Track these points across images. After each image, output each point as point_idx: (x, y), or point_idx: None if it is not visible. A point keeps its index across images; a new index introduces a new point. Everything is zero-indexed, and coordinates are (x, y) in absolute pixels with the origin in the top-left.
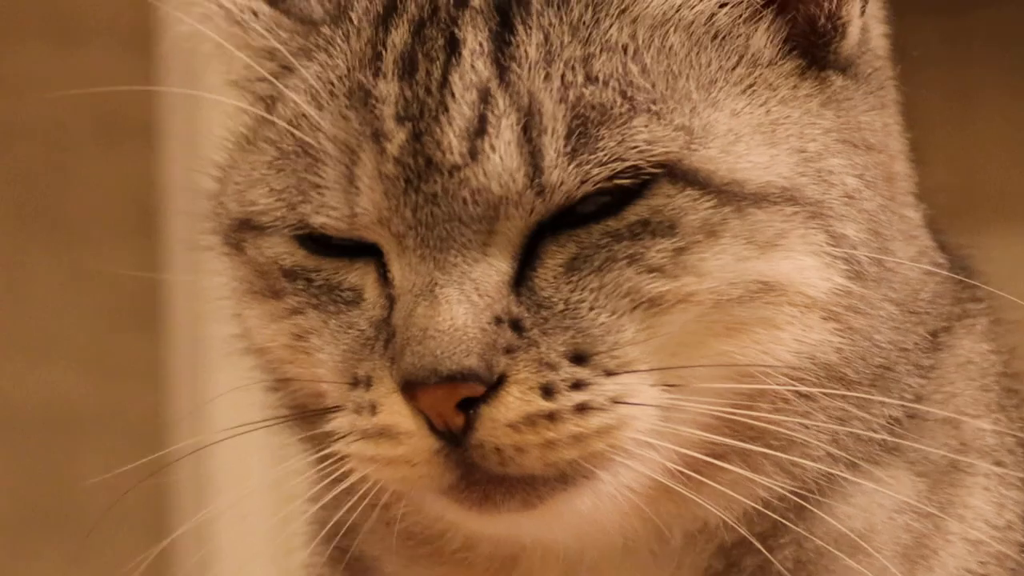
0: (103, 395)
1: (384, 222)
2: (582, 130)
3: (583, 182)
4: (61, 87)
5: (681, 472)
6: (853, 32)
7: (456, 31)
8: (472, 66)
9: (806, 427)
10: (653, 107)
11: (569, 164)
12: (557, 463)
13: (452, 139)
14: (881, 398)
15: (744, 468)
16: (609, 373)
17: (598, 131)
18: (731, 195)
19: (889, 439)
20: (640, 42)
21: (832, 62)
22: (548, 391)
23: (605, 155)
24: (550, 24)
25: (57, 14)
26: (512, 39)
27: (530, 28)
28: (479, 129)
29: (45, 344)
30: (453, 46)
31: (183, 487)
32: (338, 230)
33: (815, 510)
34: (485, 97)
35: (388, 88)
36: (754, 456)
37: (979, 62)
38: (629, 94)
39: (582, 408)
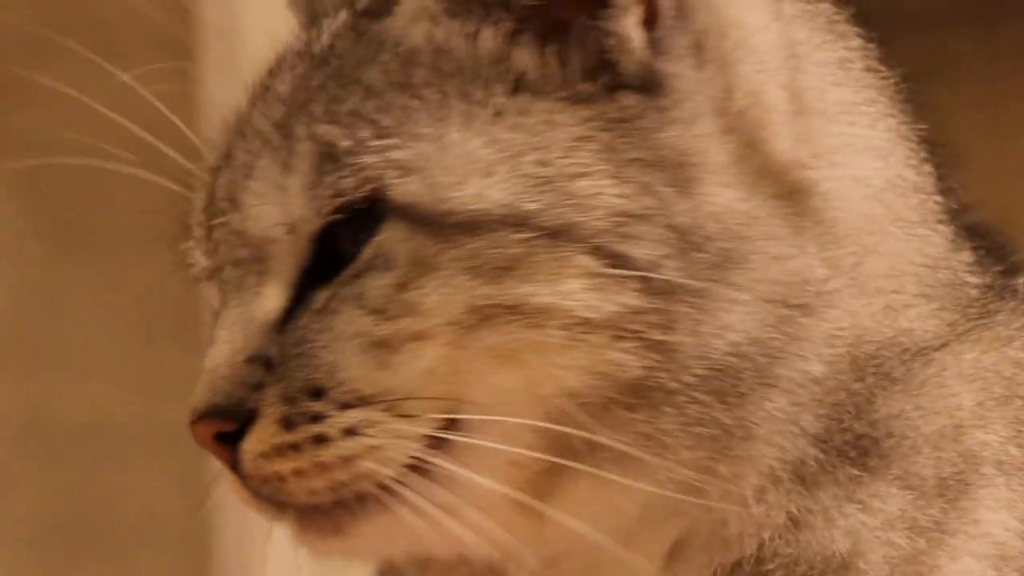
0: (141, 411)
1: (204, 271)
2: (319, 168)
3: (316, 216)
4: (99, 102)
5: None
6: (634, 48)
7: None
8: (255, 118)
9: (664, 432)
10: (376, 143)
11: (307, 201)
12: (319, 490)
13: (222, 187)
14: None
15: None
16: (345, 406)
17: (329, 167)
18: (443, 226)
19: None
20: (387, 78)
21: (617, 81)
22: (289, 424)
23: (329, 191)
24: (305, 71)
25: (96, 28)
26: (272, 85)
27: (287, 74)
28: (246, 175)
29: (83, 360)
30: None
31: (224, 501)
32: (199, 279)
33: (797, 534)
34: (257, 146)
35: (215, 142)
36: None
37: (1015, 74)
38: (359, 132)
39: (319, 439)
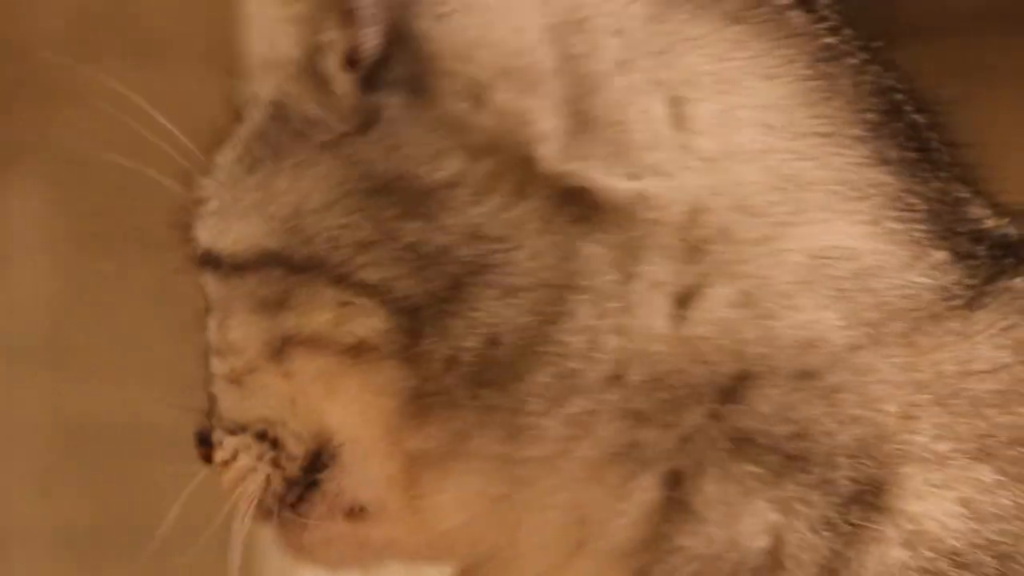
0: (178, 413)
1: None
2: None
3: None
4: (139, 106)
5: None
6: (340, 88)
7: None
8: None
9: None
10: (211, 205)
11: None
12: (248, 505)
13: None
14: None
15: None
16: (231, 433)
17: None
18: (226, 269)
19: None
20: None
21: (340, 122)
22: (213, 447)
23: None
24: None
25: (135, 33)
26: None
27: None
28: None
29: (119, 363)
30: None
31: None
32: None
33: (694, 526)
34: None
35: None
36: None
37: None
38: (204, 193)
39: (228, 460)
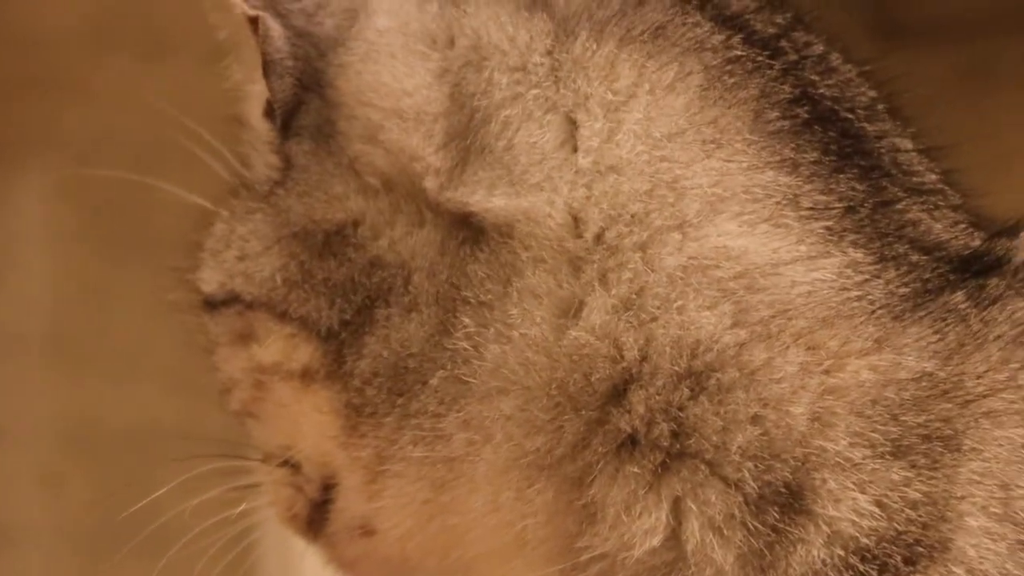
0: (186, 414)
1: None
2: None
3: None
4: (148, 100)
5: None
6: (260, 136)
7: None
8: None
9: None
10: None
11: None
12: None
13: None
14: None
15: None
16: (262, 461)
17: None
18: (207, 306)
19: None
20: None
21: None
22: None
23: None
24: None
25: (144, 30)
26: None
27: None
28: None
29: (130, 364)
30: None
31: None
32: None
33: (594, 526)
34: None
35: None
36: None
37: None
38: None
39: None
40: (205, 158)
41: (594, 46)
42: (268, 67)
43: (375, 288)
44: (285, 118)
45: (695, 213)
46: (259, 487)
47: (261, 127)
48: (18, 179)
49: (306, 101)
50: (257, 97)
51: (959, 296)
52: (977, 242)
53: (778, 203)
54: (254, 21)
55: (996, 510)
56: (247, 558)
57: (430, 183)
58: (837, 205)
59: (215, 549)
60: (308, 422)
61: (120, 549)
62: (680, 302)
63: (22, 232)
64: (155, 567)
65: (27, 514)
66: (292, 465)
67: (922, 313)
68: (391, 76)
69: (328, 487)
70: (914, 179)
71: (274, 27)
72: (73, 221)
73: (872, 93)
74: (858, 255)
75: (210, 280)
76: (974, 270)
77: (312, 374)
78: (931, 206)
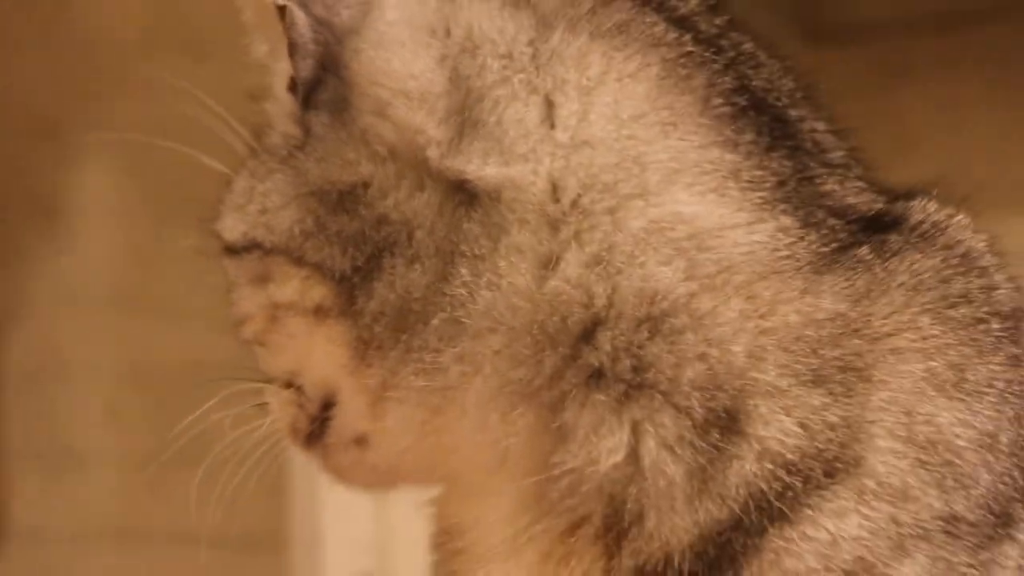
0: (231, 351)
1: None
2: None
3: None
4: (191, 93)
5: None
6: (284, 108)
7: None
8: None
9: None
10: (226, 205)
11: None
12: (288, 436)
13: None
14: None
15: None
16: (268, 382)
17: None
18: (230, 251)
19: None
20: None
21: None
22: None
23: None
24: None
25: (189, 32)
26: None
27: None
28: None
29: (180, 308)
30: None
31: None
32: None
33: (568, 445)
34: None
35: None
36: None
37: (968, 78)
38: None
39: (266, 403)
40: (226, 136)
41: (569, 38)
42: (293, 49)
43: (383, 241)
44: (306, 93)
45: (655, 183)
46: (267, 404)
47: (285, 99)
48: (85, 161)
49: (324, 80)
50: (282, 74)
51: (865, 250)
52: (880, 205)
53: (723, 176)
54: (282, 9)
55: (901, 433)
56: (275, 460)
57: (432, 152)
58: (770, 179)
59: (245, 453)
60: (320, 352)
61: (173, 470)
62: (642, 258)
63: (89, 204)
64: (202, 485)
65: (94, 440)
66: (295, 386)
67: (836, 265)
68: (399, 61)
69: (327, 406)
70: (828, 155)
71: (299, 15)
72: (130, 194)
73: (792, 84)
74: (787, 221)
75: (232, 229)
76: (877, 227)
77: (326, 311)
78: (842, 177)
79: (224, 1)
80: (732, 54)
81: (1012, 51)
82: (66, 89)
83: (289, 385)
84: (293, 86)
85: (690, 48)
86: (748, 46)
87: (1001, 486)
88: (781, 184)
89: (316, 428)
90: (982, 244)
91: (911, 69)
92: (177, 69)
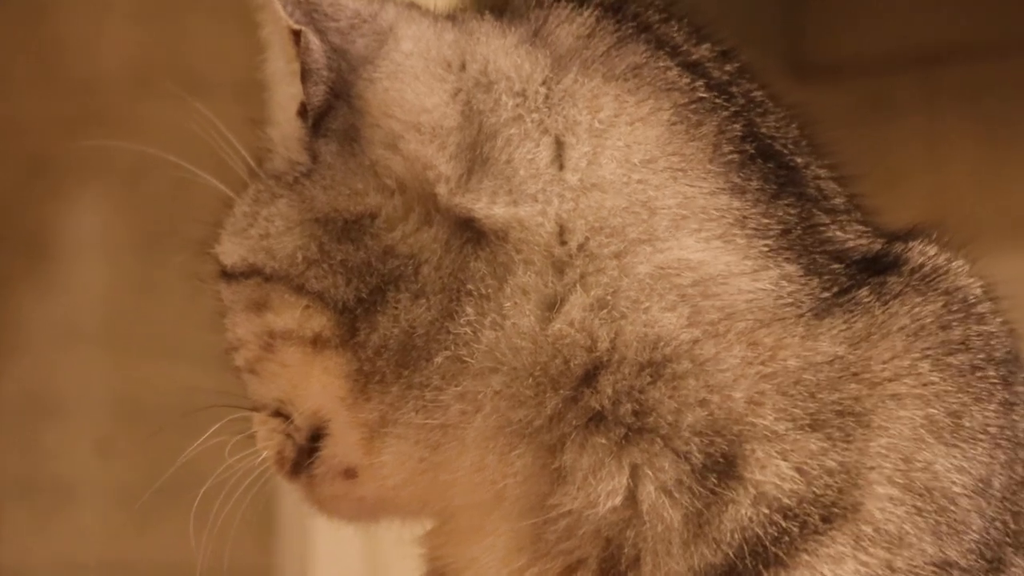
0: (221, 390)
1: None
2: None
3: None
4: (185, 131)
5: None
6: (292, 134)
7: None
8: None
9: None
10: (225, 229)
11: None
12: (274, 465)
13: None
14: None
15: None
16: (255, 410)
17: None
18: (225, 276)
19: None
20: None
21: (296, 165)
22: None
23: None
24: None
25: (182, 69)
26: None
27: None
28: None
29: (171, 346)
30: None
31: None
32: None
33: (564, 487)
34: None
35: None
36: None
37: (951, 113)
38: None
39: (254, 432)
40: (229, 160)
41: (583, 80)
42: (306, 75)
43: (388, 273)
44: (316, 119)
45: (663, 229)
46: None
47: (294, 124)
48: (78, 199)
49: (335, 107)
50: (289, 98)
51: (864, 291)
52: (878, 246)
53: (729, 223)
54: (297, 34)
55: (899, 480)
56: (265, 495)
57: (441, 189)
58: (776, 226)
59: (234, 484)
60: (316, 382)
61: (163, 504)
62: (646, 304)
63: (82, 242)
64: (190, 510)
65: (84, 475)
66: (283, 416)
67: (836, 308)
68: (413, 94)
69: (316, 436)
70: (831, 201)
71: (314, 41)
72: (123, 233)
73: (796, 131)
74: (791, 268)
75: (231, 253)
76: (876, 268)
77: (325, 341)
78: (844, 222)
79: (216, 43)
80: (741, 101)
81: (995, 87)
82: (58, 127)
83: (278, 414)
84: (303, 111)
85: (702, 94)
86: (757, 94)
87: (993, 531)
88: (786, 232)
89: (303, 458)
90: (979, 290)
91: (895, 105)
92: (169, 109)
